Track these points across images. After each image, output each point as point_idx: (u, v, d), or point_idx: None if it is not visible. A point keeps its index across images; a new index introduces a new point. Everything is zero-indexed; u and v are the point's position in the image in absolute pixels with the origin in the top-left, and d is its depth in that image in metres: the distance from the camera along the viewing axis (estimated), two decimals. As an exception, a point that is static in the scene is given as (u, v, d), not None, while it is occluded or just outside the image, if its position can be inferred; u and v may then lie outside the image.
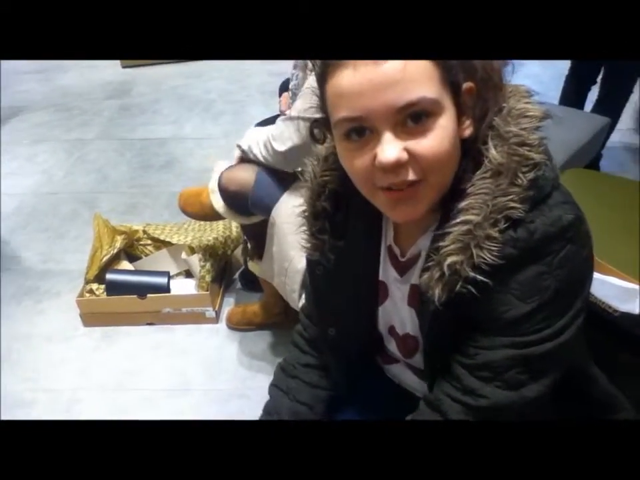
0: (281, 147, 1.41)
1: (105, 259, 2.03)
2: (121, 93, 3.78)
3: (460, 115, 0.67)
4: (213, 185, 1.60)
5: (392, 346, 0.93)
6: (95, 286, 2.01)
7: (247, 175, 1.54)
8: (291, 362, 1.03)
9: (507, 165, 0.66)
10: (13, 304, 2.19)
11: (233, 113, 3.39)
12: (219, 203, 1.59)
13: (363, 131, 0.66)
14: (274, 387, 1.04)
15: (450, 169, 0.70)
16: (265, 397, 1.75)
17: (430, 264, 0.70)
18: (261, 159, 1.49)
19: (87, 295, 2.02)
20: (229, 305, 2.11)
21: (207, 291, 1.98)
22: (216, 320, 2.03)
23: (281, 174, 1.52)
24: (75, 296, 2.03)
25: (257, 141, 1.50)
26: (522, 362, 0.71)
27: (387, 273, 0.85)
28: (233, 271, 2.24)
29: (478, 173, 0.67)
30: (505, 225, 0.66)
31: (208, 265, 1.97)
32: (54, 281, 2.28)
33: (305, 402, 0.98)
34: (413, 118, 0.64)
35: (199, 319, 2.02)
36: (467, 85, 0.67)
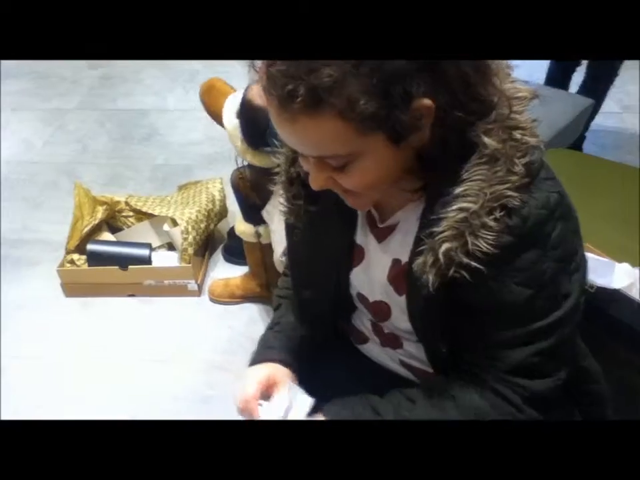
0: None
1: (86, 229, 2.01)
2: (102, 61, 3.69)
3: (404, 137, 0.64)
4: (231, 105, 1.49)
5: (361, 314, 0.93)
6: (75, 256, 2.00)
7: None
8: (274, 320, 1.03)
9: (502, 150, 0.65)
10: (-7, 272, 2.16)
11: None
12: (231, 123, 1.49)
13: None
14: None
15: (385, 182, 0.71)
16: (245, 369, 1.79)
17: (423, 248, 0.69)
18: None
19: (68, 265, 2.00)
20: (211, 278, 2.11)
21: (189, 263, 1.97)
22: (198, 293, 2.03)
23: None
24: (56, 266, 2.01)
25: None
26: (544, 353, 0.72)
27: (365, 237, 0.85)
28: (215, 244, 2.24)
29: (472, 158, 0.66)
30: (501, 214, 0.65)
31: (190, 238, 1.96)
32: (33, 250, 2.25)
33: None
34: (331, 160, 0.66)
35: (181, 291, 2.02)
36: (420, 104, 0.61)
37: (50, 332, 1.93)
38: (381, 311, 0.86)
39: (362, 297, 0.89)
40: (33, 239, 2.31)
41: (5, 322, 1.97)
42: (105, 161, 2.79)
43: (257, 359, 0.94)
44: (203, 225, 2.05)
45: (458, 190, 0.66)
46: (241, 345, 1.88)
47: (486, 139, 0.65)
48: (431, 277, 0.68)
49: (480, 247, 0.65)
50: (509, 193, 0.65)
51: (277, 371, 0.90)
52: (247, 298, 1.99)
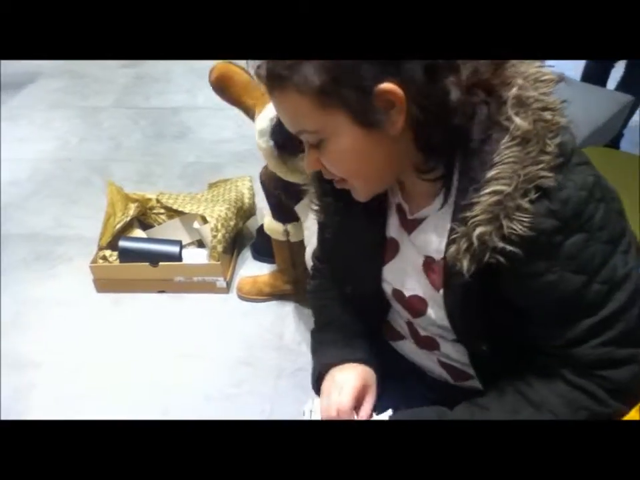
0: None
1: (118, 226, 2.04)
2: (135, 61, 3.75)
3: (370, 121, 0.64)
4: (263, 124, 1.45)
5: (397, 311, 0.92)
6: (107, 252, 2.03)
7: None
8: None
9: (533, 131, 0.64)
10: (23, 268, 2.21)
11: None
12: (266, 144, 1.45)
13: None
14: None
15: (372, 169, 0.71)
16: (271, 366, 1.81)
17: (456, 236, 0.68)
18: None
19: (100, 261, 2.03)
20: (240, 275, 2.12)
21: (218, 260, 1.99)
22: (227, 290, 2.05)
23: None
24: (88, 262, 2.04)
25: None
26: (615, 342, 0.70)
27: (398, 229, 0.84)
28: (244, 242, 2.25)
29: (503, 141, 0.65)
30: (536, 195, 0.64)
31: (219, 235, 1.97)
32: (67, 246, 2.30)
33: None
34: (307, 136, 0.69)
35: (210, 288, 2.03)
36: (382, 88, 0.61)
37: (81, 327, 1.97)
38: (416, 305, 0.84)
39: (397, 293, 0.87)
40: (68, 235, 2.36)
41: (40, 318, 2.01)
42: (138, 158, 2.83)
43: (335, 359, 0.92)
44: (232, 223, 2.06)
45: (491, 173, 0.65)
46: (269, 342, 1.89)
47: (517, 120, 0.64)
48: (465, 263, 0.67)
49: (516, 230, 0.64)
50: (543, 173, 0.64)
51: (366, 375, 0.90)
52: (274, 295, 2.00)
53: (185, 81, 3.45)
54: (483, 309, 0.73)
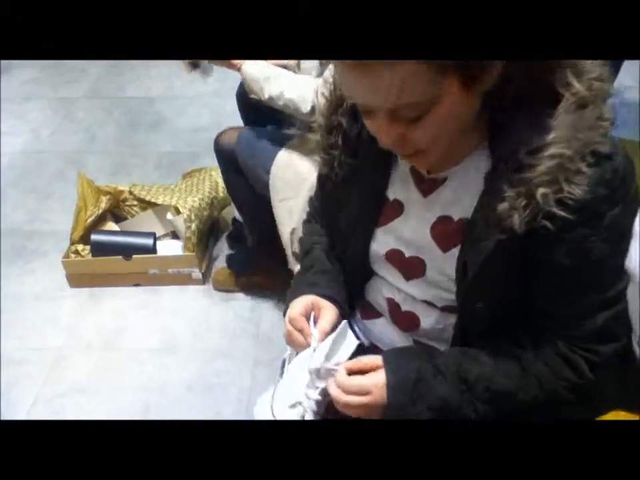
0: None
1: (89, 220, 2.02)
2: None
3: (477, 78, 0.64)
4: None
5: (382, 279, 0.91)
6: (80, 247, 2.01)
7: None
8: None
9: (590, 97, 0.66)
10: (3, 264, 2.18)
11: (223, 71, 3.31)
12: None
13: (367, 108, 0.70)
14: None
15: (456, 130, 0.71)
16: (249, 357, 1.81)
17: (508, 194, 0.69)
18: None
19: (73, 255, 2.01)
20: (215, 266, 2.11)
21: (193, 252, 1.97)
22: (202, 281, 2.04)
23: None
24: (61, 256, 2.03)
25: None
26: (615, 318, 0.73)
27: (406, 191, 0.84)
28: (220, 232, 2.24)
29: (560, 106, 0.67)
30: (592, 160, 0.66)
31: (194, 226, 1.96)
32: (42, 241, 2.27)
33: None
34: (405, 111, 0.66)
35: (185, 280, 2.02)
36: None
37: (58, 323, 1.96)
38: (415, 266, 0.85)
39: (394, 254, 0.86)
40: (41, 230, 2.33)
41: (13, 314, 1.99)
42: (113, 150, 2.80)
43: (297, 297, 0.92)
44: (206, 213, 2.04)
45: (550, 136, 0.67)
46: (246, 332, 1.89)
47: (577, 85, 0.66)
48: (517, 221, 0.68)
49: (574, 195, 0.66)
50: (599, 138, 0.66)
51: (321, 301, 0.90)
52: (251, 286, 1.99)
53: (161, 70, 3.40)
54: (503, 268, 0.74)
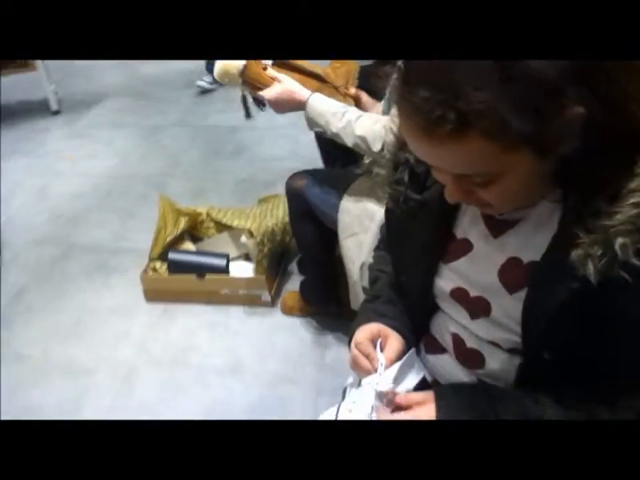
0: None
1: (168, 239, 2.10)
2: (198, 75, 3.86)
3: (552, 149, 0.62)
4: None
5: (447, 315, 0.89)
6: (158, 264, 2.09)
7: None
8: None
9: None
10: (83, 278, 2.31)
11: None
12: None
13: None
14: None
15: (529, 193, 0.69)
16: (313, 383, 1.80)
17: (583, 241, 0.66)
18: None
19: (151, 272, 2.09)
20: (285, 290, 2.13)
21: (264, 274, 2.00)
22: (271, 304, 2.06)
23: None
24: (140, 272, 2.11)
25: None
26: None
27: (475, 230, 0.82)
28: (291, 257, 2.26)
29: None
30: None
31: (265, 249, 1.99)
32: (123, 258, 2.39)
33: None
34: (473, 177, 0.65)
35: (254, 301, 2.05)
36: (571, 113, 0.58)
37: (130, 337, 2.03)
38: (480, 306, 0.82)
39: (459, 291, 0.84)
40: (124, 247, 2.46)
41: (93, 325, 2.09)
42: (194, 174, 2.91)
43: (364, 324, 0.91)
44: (278, 238, 2.08)
45: (634, 184, 0.63)
46: (311, 359, 1.88)
47: None
48: (593, 270, 0.65)
49: None
50: None
51: (388, 330, 0.89)
52: (318, 313, 1.99)
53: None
54: (572, 316, 0.71)
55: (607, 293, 0.66)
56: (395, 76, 0.64)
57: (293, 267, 2.23)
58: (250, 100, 1.68)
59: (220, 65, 1.49)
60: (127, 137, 3.33)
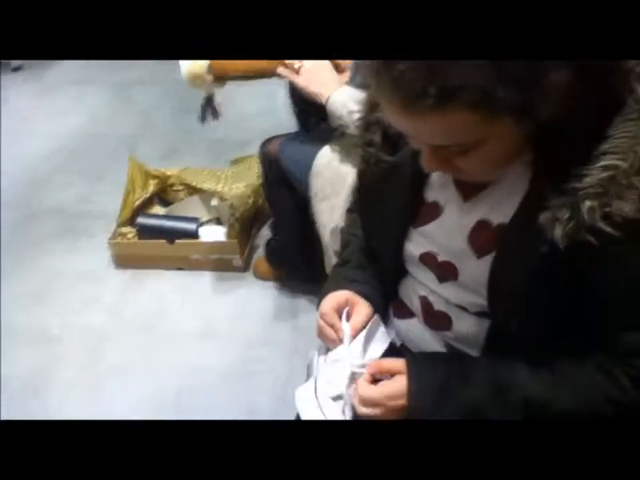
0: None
1: (137, 203, 2.05)
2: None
3: (532, 112, 0.60)
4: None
5: (415, 279, 0.89)
6: (126, 229, 2.04)
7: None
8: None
9: None
10: (51, 242, 2.25)
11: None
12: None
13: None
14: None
15: (506, 160, 0.69)
16: (288, 345, 1.78)
17: (552, 203, 0.65)
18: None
19: (119, 237, 2.04)
20: (257, 253, 2.09)
21: (235, 239, 1.96)
22: (243, 268, 2.03)
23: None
24: (108, 238, 2.06)
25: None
26: None
27: (445, 194, 0.81)
28: (264, 220, 2.22)
29: (621, 114, 0.62)
30: None
31: (237, 213, 1.95)
32: (91, 222, 2.32)
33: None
34: (450, 147, 0.64)
35: (226, 266, 2.02)
36: (551, 81, 0.57)
37: (100, 303, 1.99)
38: (448, 270, 0.82)
39: (428, 256, 0.84)
40: (92, 211, 2.39)
41: (59, 291, 2.04)
42: (166, 133, 2.82)
43: (332, 291, 0.91)
44: (250, 201, 2.03)
45: (604, 146, 0.62)
46: (284, 321, 1.87)
47: None
48: (561, 233, 0.64)
49: (622, 211, 0.61)
50: None
51: (355, 297, 0.89)
52: (291, 277, 1.96)
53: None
54: (539, 280, 0.70)
55: (575, 257, 0.66)
56: None
57: (265, 230, 2.19)
58: (216, 101, 1.59)
59: (186, 70, 1.40)
60: (93, 94, 3.20)
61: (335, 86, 1.39)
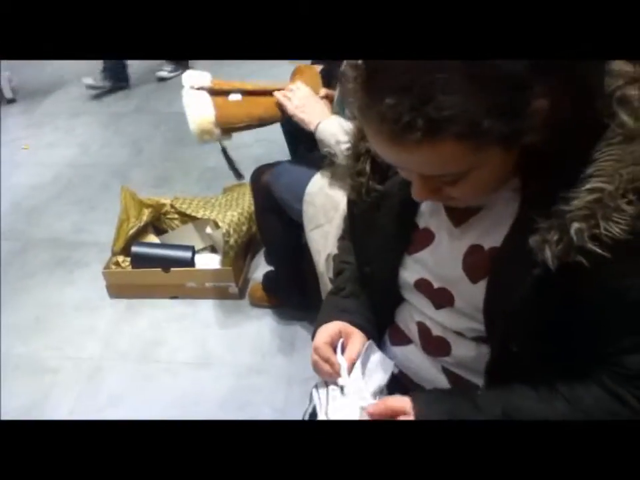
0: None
1: (131, 232, 2.04)
2: (158, 66, 3.77)
3: (518, 142, 0.62)
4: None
5: (412, 305, 0.89)
6: (120, 258, 2.04)
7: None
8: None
9: (638, 130, 0.62)
10: (45, 273, 2.24)
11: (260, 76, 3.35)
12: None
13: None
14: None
15: (495, 186, 0.70)
16: (283, 374, 1.78)
17: (541, 226, 0.66)
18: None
19: (113, 266, 2.04)
20: (253, 280, 2.10)
21: (230, 266, 1.97)
22: (239, 296, 2.03)
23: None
24: (102, 267, 2.06)
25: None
26: None
27: (437, 220, 0.82)
28: (258, 247, 2.23)
29: (603, 138, 0.63)
30: (634, 197, 0.62)
31: (232, 240, 1.96)
32: (85, 251, 2.32)
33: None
34: (441, 177, 0.65)
35: (222, 294, 2.02)
36: (536, 107, 0.59)
37: (95, 333, 1.98)
38: (444, 296, 0.82)
39: (423, 283, 0.84)
40: (85, 241, 2.38)
41: (55, 322, 2.03)
42: (157, 163, 2.84)
43: (326, 321, 0.91)
44: (244, 228, 2.04)
45: (590, 170, 0.63)
46: (281, 350, 1.86)
47: (624, 117, 0.62)
48: (550, 255, 0.65)
49: (611, 232, 0.62)
50: None
51: (349, 328, 0.89)
52: (286, 304, 1.97)
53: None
54: (533, 303, 0.70)
55: (567, 279, 0.66)
56: (347, 75, 0.62)
57: (260, 257, 2.20)
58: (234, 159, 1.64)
59: (195, 126, 1.44)
60: (86, 125, 3.22)
61: (325, 114, 1.43)
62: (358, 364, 0.84)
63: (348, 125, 1.25)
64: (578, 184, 0.64)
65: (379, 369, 0.86)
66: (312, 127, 1.41)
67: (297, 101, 1.46)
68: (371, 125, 0.61)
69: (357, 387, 0.82)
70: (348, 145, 0.85)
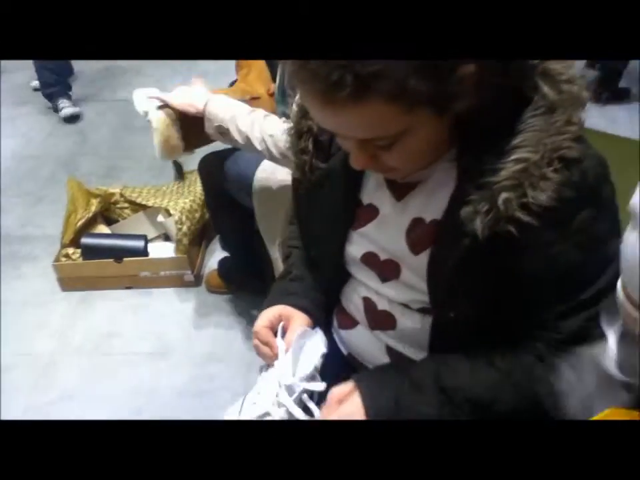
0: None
1: (80, 223, 2.00)
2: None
3: (449, 107, 0.64)
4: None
5: (358, 281, 0.90)
6: (70, 250, 1.99)
7: None
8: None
9: (560, 102, 0.65)
10: (-10, 269, 2.16)
11: (217, 72, 3.30)
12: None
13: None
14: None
15: (430, 154, 0.72)
16: (242, 361, 1.78)
17: (472, 198, 0.68)
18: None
19: (63, 259, 1.99)
20: (209, 267, 2.08)
21: (185, 254, 1.95)
22: (195, 283, 2.01)
23: None
24: (52, 260, 2.00)
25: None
26: (594, 317, 0.70)
27: (380, 195, 0.83)
28: (213, 233, 2.21)
29: (528, 110, 0.66)
30: (559, 166, 0.65)
31: (185, 228, 1.94)
32: (32, 245, 2.25)
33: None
34: (375, 140, 0.66)
35: (177, 282, 2.00)
36: (465, 71, 0.60)
37: (48, 327, 1.93)
38: (390, 269, 0.84)
39: (370, 256, 0.85)
40: (32, 235, 2.31)
41: (6, 319, 1.97)
42: (105, 152, 2.77)
43: (271, 306, 0.92)
44: (197, 215, 2.02)
45: (515, 141, 0.66)
46: (240, 336, 1.86)
47: (545, 89, 0.65)
48: (479, 226, 0.67)
49: (537, 200, 0.65)
50: (568, 143, 0.65)
51: (290, 311, 0.90)
52: (243, 290, 1.96)
53: (155, 72, 3.38)
54: (471, 273, 0.73)
55: (499, 248, 0.69)
56: None
57: (216, 243, 2.18)
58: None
59: (162, 147, 1.36)
60: (29, 114, 3.11)
61: (208, 95, 1.32)
62: (290, 350, 0.85)
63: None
64: (505, 155, 0.66)
65: (311, 352, 0.87)
66: (200, 106, 1.30)
67: (177, 92, 1.35)
68: (304, 85, 0.62)
69: (282, 371, 0.83)
70: (290, 124, 0.85)
